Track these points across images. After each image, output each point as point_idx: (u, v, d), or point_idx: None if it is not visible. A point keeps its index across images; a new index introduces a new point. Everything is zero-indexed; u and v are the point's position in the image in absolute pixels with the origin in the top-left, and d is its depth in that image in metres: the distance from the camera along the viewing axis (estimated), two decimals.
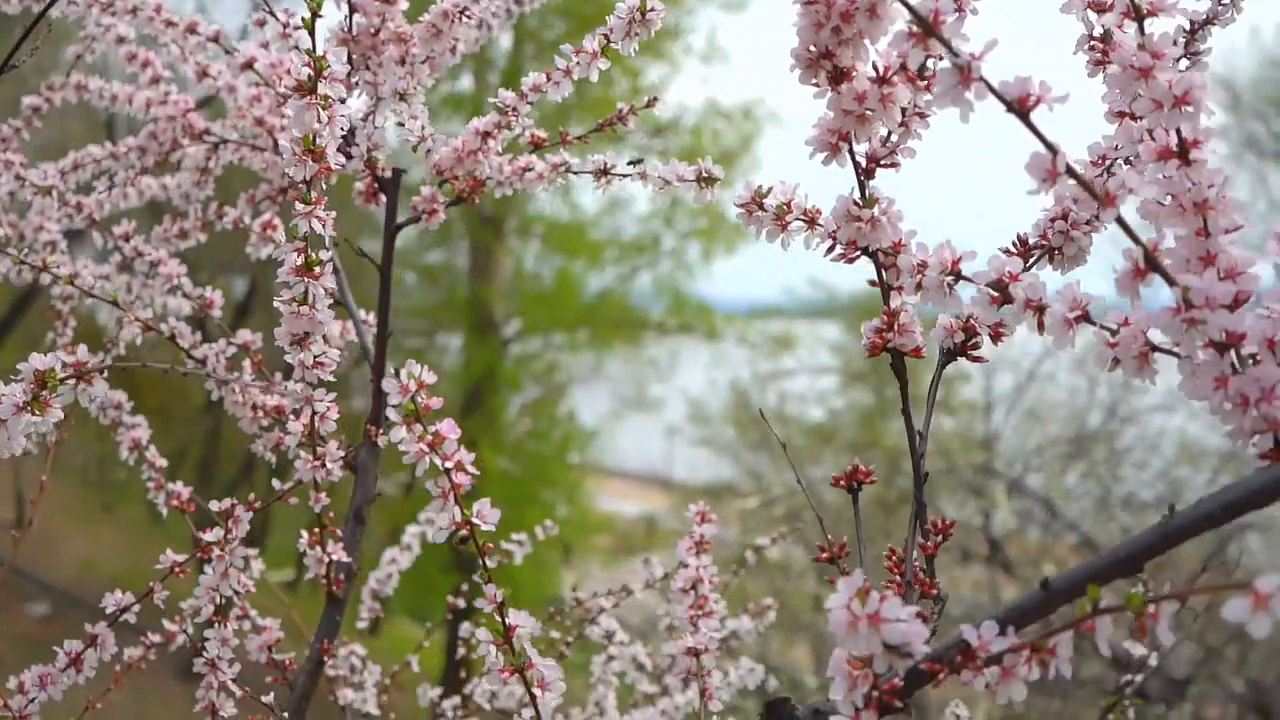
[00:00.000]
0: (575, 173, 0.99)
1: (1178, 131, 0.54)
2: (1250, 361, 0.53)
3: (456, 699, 1.37)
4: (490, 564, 0.69)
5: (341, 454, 0.93)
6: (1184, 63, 0.73)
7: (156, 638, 1.13)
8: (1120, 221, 0.52)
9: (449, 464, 0.63)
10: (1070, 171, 0.51)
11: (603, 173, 0.96)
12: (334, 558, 0.98)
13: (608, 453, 12.39)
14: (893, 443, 8.39)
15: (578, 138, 1.01)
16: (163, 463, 1.11)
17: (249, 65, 1.07)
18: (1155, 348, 0.55)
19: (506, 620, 0.65)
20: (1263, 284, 0.55)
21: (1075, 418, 7.75)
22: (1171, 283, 0.52)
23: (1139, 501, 6.64)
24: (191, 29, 1.11)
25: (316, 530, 0.97)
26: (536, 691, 0.65)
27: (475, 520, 0.64)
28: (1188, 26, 0.74)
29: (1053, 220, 0.69)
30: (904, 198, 0.66)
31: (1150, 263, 0.52)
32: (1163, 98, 0.53)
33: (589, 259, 12.07)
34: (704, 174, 0.86)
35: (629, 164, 0.95)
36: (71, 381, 0.66)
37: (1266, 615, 0.40)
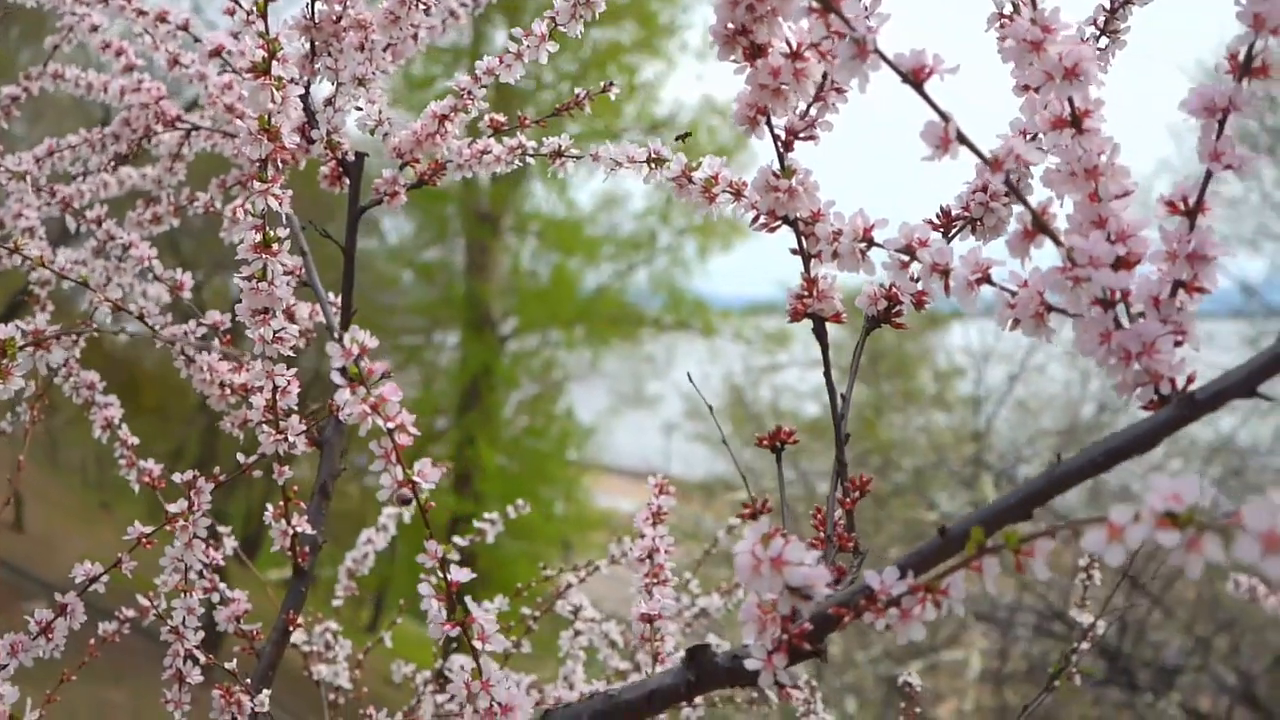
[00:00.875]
0: (532, 155, 1.02)
1: (1070, 101, 0.57)
2: (1141, 319, 0.56)
3: (427, 673, 1.40)
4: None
5: (303, 428, 0.96)
6: (1104, 40, 0.76)
7: (130, 612, 1.16)
8: (1009, 184, 0.55)
9: (391, 425, 0.66)
10: (961, 138, 0.54)
11: (557, 155, 0.99)
12: (298, 530, 1.01)
13: (605, 449, 12.43)
14: (887, 437, 8.44)
15: (535, 121, 1.04)
16: (134, 440, 1.14)
17: (217, 53, 1.10)
18: (1051, 307, 0.58)
19: (449, 576, 0.68)
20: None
21: (1070, 408, 7.80)
22: (1058, 243, 0.55)
23: (1130, 493, 6.67)
24: (161, 18, 1.14)
25: (281, 504, 1.00)
26: (477, 644, 0.68)
27: (416, 479, 0.67)
28: (1108, 5, 0.77)
29: (974, 192, 0.72)
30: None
31: (1038, 225, 0.55)
32: (1053, 69, 0.56)
33: (585, 256, 12.12)
34: (653, 156, 0.89)
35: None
36: (30, 349, 0.70)
37: (1120, 545, 0.43)
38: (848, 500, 0.67)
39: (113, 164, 1.24)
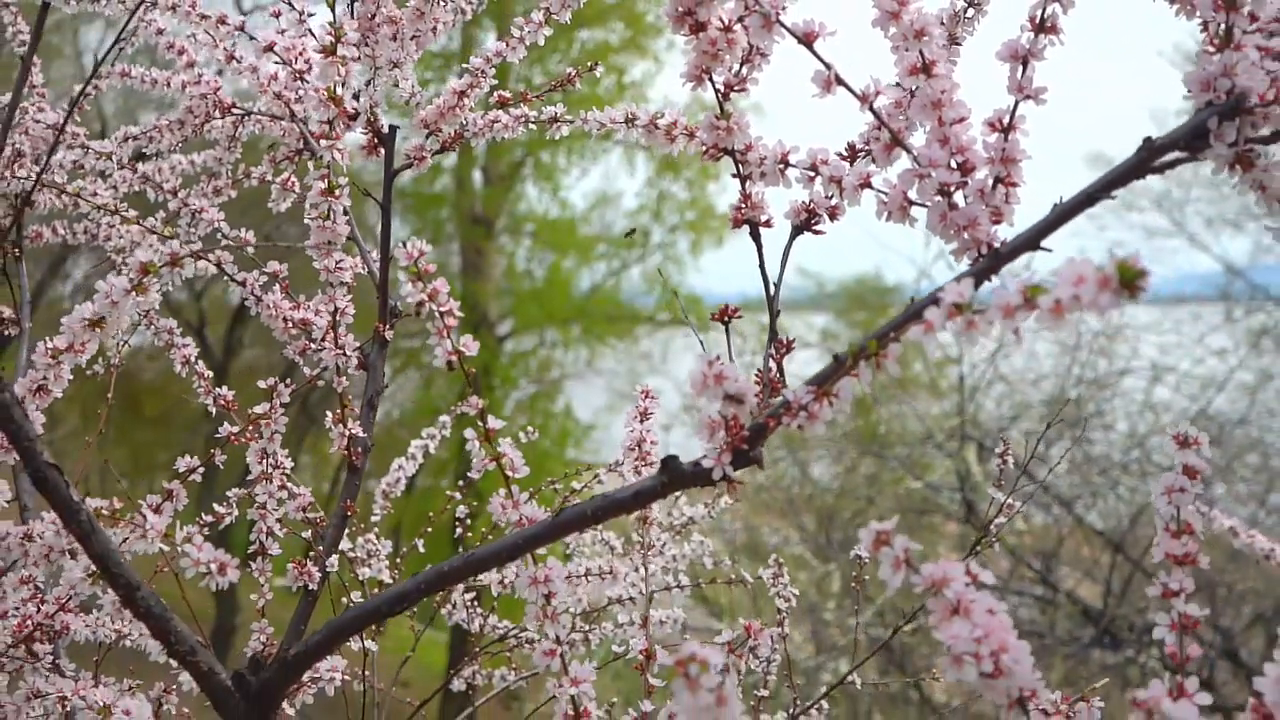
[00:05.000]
0: (533, 122, 1.25)
1: (920, 53, 0.80)
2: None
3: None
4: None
5: (358, 345, 1.19)
6: (970, 11, 0.99)
7: (209, 517, 1.38)
8: (874, 112, 0.78)
9: (443, 309, 0.89)
10: (839, 81, 0.77)
11: (554, 120, 1.23)
12: (353, 433, 1.24)
13: (605, 446, 12.64)
14: (875, 418, 8.68)
15: (536, 95, 1.27)
16: (209, 374, 1.37)
17: (270, 48, 1.33)
18: (911, 201, 0.81)
19: (488, 424, 0.92)
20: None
21: (1058, 380, 8.09)
22: (909, 151, 0.78)
23: (1113, 461, 6.92)
24: (221, 20, 1.37)
25: (339, 410, 1.23)
26: (509, 473, 0.92)
27: (462, 348, 0.90)
28: None
29: (873, 130, 0.95)
30: None
31: (895, 140, 0.78)
32: (907, 31, 0.79)
33: (579, 255, 12.35)
34: (629, 116, 1.12)
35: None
36: (168, 267, 0.92)
37: (934, 336, 0.66)
38: (778, 355, 0.91)
39: (179, 146, 1.47)
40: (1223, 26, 0.70)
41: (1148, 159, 0.71)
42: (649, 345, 12.83)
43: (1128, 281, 0.54)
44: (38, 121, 1.55)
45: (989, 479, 6.65)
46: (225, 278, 1.28)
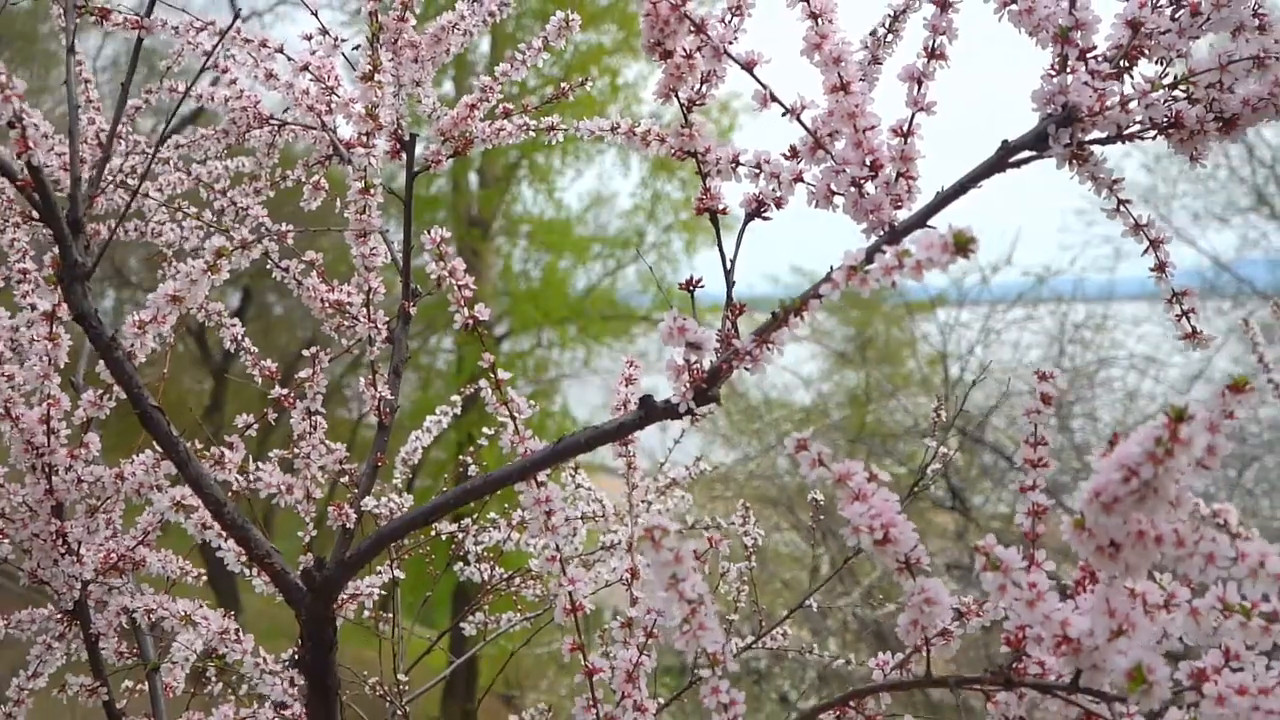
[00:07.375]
0: (534, 130, 1.47)
1: (839, 75, 1.02)
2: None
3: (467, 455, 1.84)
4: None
5: (387, 319, 1.41)
6: (889, 36, 1.21)
7: (278, 455, 1.59)
8: (800, 122, 1.00)
9: (460, 283, 1.11)
10: (773, 98, 0.99)
11: (551, 128, 1.45)
12: (383, 395, 1.46)
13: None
14: (878, 421, 8.90)
15: (536, 108, 1.49)
16: (255, 350, 1.59)
17: (304, 68, 1.55)
18: (833, 192, 1.03)
19: (498, 376, 1.13)
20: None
21: (1048, 363, 8.33)
22: (828, 153, 1.00)
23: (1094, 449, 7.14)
24: (263, 43, 1.58)
25: (370, 375, 1.45)
26: (517, 415, 1.13)
27: (477, 314, 1.12)
28: (893, 12, 1.21)
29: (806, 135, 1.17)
30: None
31: (818, 143, 1.00)
32: (826, 59, 1.01)
33: (575, 255, 12.55)
34: (614, 125, 1.34)
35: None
36: (239, 250, 1.14)
37: (836, 290, 0.88)
38: (733, 315, 1.12)
39: (226, 152, 1.69)
40: (1059, 55, 0.92)
41: (1005, 156, 0.93)
42: (645, 344, 13.02)
43: (961, 246, 0.76)
44: (92, 123, 1.78)
45: (981, 470, 6.85)
46: (269, 265, 1.50)
